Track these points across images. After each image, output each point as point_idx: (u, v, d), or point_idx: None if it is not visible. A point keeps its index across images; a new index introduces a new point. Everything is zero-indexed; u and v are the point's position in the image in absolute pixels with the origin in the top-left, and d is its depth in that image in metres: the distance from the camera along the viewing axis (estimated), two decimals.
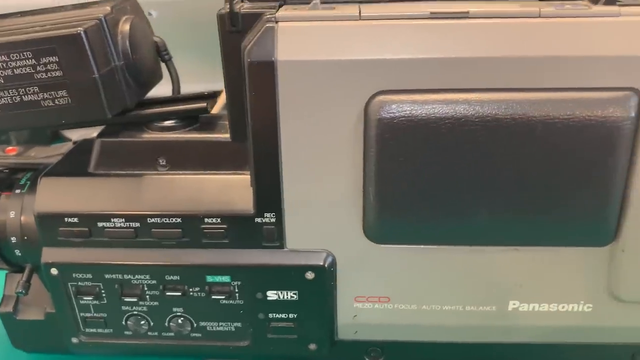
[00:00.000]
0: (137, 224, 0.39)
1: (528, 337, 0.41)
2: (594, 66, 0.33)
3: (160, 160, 0.40)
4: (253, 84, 0.34)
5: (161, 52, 0.43)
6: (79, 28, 0.35)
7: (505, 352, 0.42)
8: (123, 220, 0.39)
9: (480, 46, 0.33)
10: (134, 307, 0.41)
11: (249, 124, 0.35)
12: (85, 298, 0.41)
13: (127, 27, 0.39)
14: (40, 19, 0.37)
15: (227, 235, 0.39)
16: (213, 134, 0.40)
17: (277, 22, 0.34)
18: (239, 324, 0.41)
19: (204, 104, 0.40)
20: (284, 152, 0.36)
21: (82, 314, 0.42)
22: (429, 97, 0.33)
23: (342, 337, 0.42)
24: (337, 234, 0.38)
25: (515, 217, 0.36)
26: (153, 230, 0.39)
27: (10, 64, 0.36)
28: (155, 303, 0.41)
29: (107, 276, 0.40)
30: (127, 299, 0.41)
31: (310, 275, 0.39)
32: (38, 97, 0.37)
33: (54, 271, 0.40)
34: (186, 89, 0.45)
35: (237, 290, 0.40)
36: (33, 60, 0.36)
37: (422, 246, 0.38)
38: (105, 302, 0.41)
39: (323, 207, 0.37)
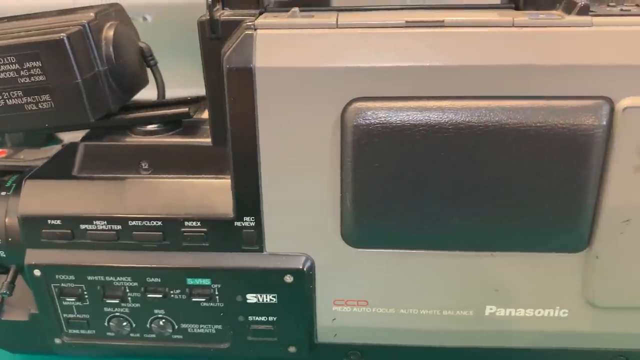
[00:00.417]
0: (119, 227, 0.39)
1: (505, 341, 0.41)
2: (567, 75, 0.33)
3: (143, 164, 0.40)
4: (232, 89, 0.35)
5: (146, 58, 0.44)
6: (62, 34, 0.36)
7: (482, 356, 0.42)
8: (105, 222, 0.39)
9: (455, 54, 0.33)
10: (116, 309, 0.42)
11: (228, 129, 0.36)
12: (68, 299, 0.42)
13: (111, 32, 0.39)
14: (25, 24, 0.38)
15: (207, 238, 0.39)
16: (195, 139, 0.41)
17: (255, 29, 0.34)
18: (219, 326, 0.42)
19: (186, 109, 0.41)
20: (262, 157, 0.36)
21: (65, 315, 0.43)
22: (404, 104, 0.34)
23: (322, 340, 0.43)
24: (316, 238, 0.38)
25: (489, 222, 0.36)
26: (134, 233, 0.39)
27: None
28: (137, 305, 0.42)
29: (89, 278, 0.41)
30: (109, 301, 0.41)
31: (289, 278, 0.39)
32: (22, 101, 0.37)
33: (37, 272, 0.41)
34: (182, 92, 0.46)
35: (217, 293, 0.40)
36: (17, 65, 0.36)
37: (399, 251, 0.38)
38: (88, 303, 0.42)
39: (302, 212, 0.38)
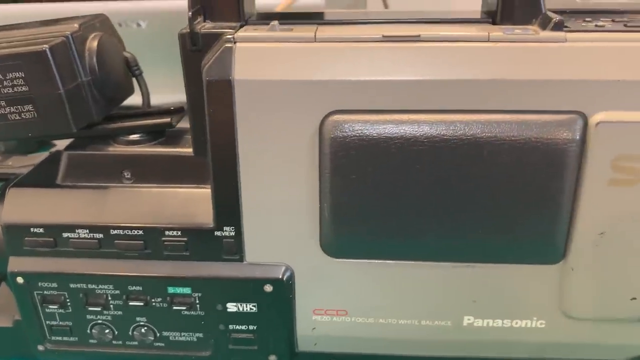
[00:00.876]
0: (101, 235, 0.40)
1: (483, 352, 0.42)
2: (541, 90, 0.34)
3: (126, 173, 0.41)
4: (211, 101, 0.35)
5: (131, 67, 0.44)
6: (45, 45, 0.36)
7: None
8: (87, 231, 0.40)
9: (430, 69, 0.34)
10: (98, 316, 0.42)
11: (208, 140, 0.36)
12: (50, 306, 0.42)
13: (95, 43, 0.40)
14: (8, 35, 0.38)
15: (188, 247, 0.40)
16: (177, 148, 0.41)
17: (235, 42, 0.35)
18: (200, 335, 0.42)
19: (169, 119, 0.41)
20: (242, 167, 0.37)
21: (47, 322, 0.43)
22: (380, 117, 0.34)
23: (302, 348, 0.43)
24: (295, 248, 0.39)
25: (466, 234, 0.36)
26: (116, 241, 0.40)
27: None
28: (119, 312, 0.42)
29: (72, 285, 0.41)
30: (91, 308, 0.42)
31: (268, 288, 0.40)
32: (5, 110, 0.38)
33: (20, 280, 0.41)
34: (174, 98, 0.46)
35: (198, 302, 0.41)
36: (0, 75, 0.37)
37: (377, 261, 0.39)
38: (71, 310, 0.42)
39: (281, 222, 0.38)
